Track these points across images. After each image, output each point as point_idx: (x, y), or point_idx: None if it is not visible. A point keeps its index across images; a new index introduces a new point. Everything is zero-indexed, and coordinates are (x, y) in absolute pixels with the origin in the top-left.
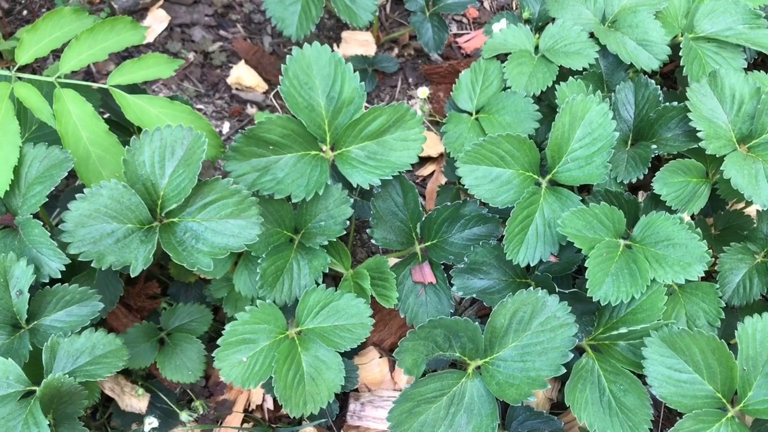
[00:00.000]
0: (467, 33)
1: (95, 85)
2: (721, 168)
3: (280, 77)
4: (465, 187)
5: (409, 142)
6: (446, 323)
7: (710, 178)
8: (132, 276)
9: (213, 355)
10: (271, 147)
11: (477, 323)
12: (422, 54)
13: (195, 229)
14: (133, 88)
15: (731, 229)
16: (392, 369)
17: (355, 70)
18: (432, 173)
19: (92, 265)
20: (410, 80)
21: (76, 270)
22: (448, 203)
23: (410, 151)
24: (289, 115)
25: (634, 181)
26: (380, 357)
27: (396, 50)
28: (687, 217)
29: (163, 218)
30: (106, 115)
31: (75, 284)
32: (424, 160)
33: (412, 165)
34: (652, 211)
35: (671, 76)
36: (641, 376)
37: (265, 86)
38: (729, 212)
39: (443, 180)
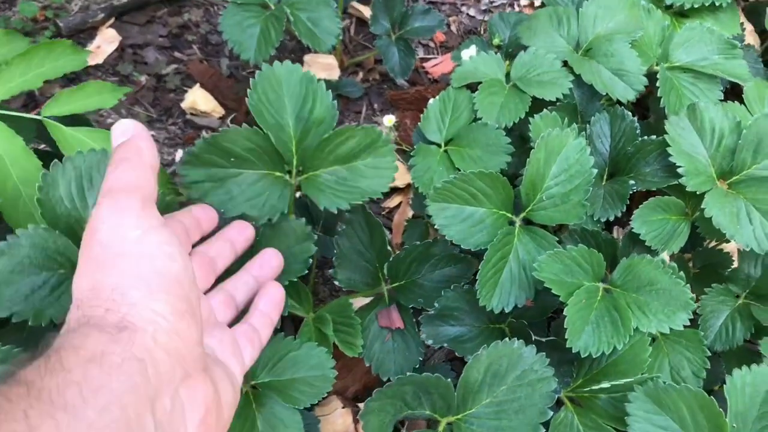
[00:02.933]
0: (434, 57)
1: (27, 116)
2: (702, 206)
3: (248, 90)
4: (435, 227)
5: (381, 170)
6: (416, 380)
7: (690, 215)
8: None
9: None
10: (232, 159)
11: (449, 380)
12: (388, 79)
13: None
14: (74, 118)
15: (711, 267)
16: (356, 421)
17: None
18: (399, 204)
19: (30, 323)
20: (375, 106)
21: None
22: (417, 242)
23: (381, 180)
24: (257, 128)
25: (611, 219)
26: (343, 407)
27: (361, 74)
28: (666, 257)
29: None
30: (43, 146)
31: None
32: (390, 191)
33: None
34: (630, 251)
35: (642, 103)
36: None
37: (221, 111)
38: (707, 249)
39: (410, 212)
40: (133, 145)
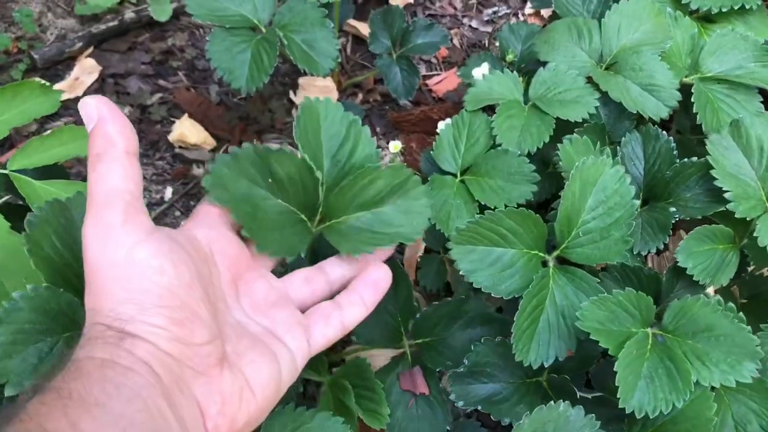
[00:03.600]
0: (437, 74)
1: None
2: (754, 233)
3: (293, 123)
4: (461, 272)
5: (412, 214)
6: None
7: (737, 243)
8: None
9: None
10: (270, 181)
11: None
12: (389, 99)
13: None
14: (46, 170)
15: (760, 297)
16: None
17: None
18: None
19: None
20: (378, 129)
21: None
22: (449, 299)
23: (413, 227)
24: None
25: (653, 251)
26: None
27: (360, 96)
28: (712, 290)
29: None
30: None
31: None
32: None
33: None
34: (674, 285)
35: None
36: None
37: (212, 142)
38: (755, 277)
39: (422, 245)
40: (102, 134)
